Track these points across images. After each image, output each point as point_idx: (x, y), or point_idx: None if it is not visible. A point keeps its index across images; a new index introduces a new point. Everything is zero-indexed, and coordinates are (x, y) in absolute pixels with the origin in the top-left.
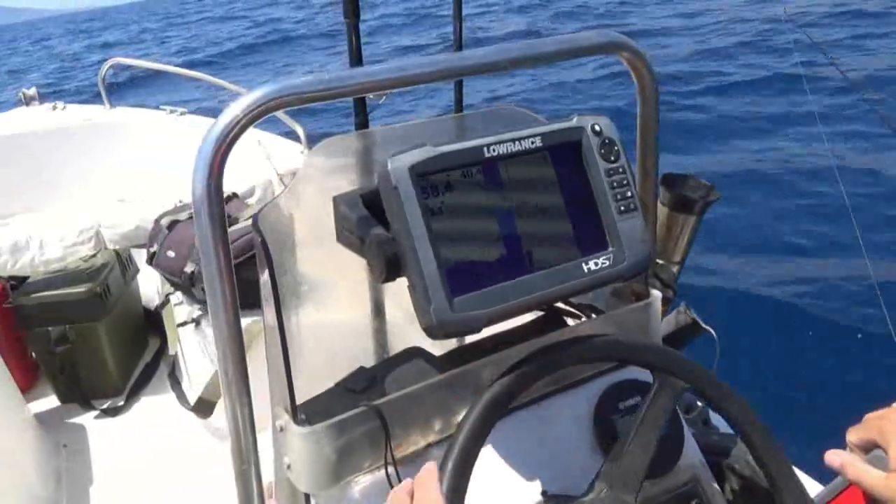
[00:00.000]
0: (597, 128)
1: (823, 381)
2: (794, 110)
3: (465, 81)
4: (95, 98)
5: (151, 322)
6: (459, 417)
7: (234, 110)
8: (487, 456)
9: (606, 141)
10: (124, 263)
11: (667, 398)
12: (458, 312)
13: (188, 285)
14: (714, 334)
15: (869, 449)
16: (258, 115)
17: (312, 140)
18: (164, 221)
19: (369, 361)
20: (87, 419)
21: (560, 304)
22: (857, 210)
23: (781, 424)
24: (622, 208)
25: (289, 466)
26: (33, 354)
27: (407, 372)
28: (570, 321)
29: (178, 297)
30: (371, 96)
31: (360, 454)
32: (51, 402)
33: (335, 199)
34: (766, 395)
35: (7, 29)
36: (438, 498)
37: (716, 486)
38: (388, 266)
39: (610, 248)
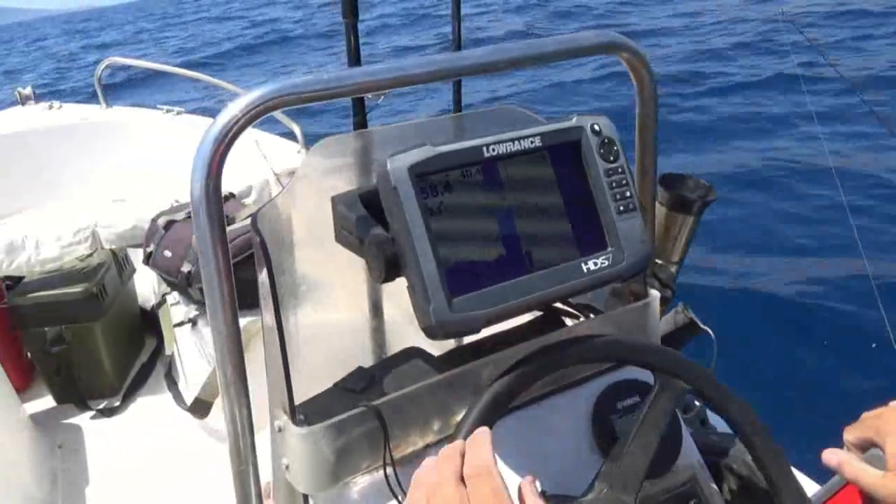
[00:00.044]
0: (596, 127)
1: (821, 381)
2: (793, 111)
3: (465, 82)
4: (92, 98)
5: (148, 322)
6: (458, 418)
7: (232, 110)
8: None
9: (606, 141)
10: (121, 263)
11: (668, 399)
12: (458, 313)
13: (185, 285)
14: (712, 334)
15: (866, 448)
16: (257, 115)
17: (309, 140)
18: (161, 221)
19: (368, 361)
20: (83, 419)
21: (558, 304)
22: (855, 211)
23: (778, 424)
24: (621, 208)
25: (287, 467)
26: (29, 355)
27: (406, 372)
28: (569, 321)
29: (174, 297)
30: (370, 96)
31: (358, 455)
32: (47, 402)
33: (334, 199)
34: (763, 395)
35: (3, 29)
36: (490, 460)
37: (714, 486)
38: (387, 266)
39: (609, 249)
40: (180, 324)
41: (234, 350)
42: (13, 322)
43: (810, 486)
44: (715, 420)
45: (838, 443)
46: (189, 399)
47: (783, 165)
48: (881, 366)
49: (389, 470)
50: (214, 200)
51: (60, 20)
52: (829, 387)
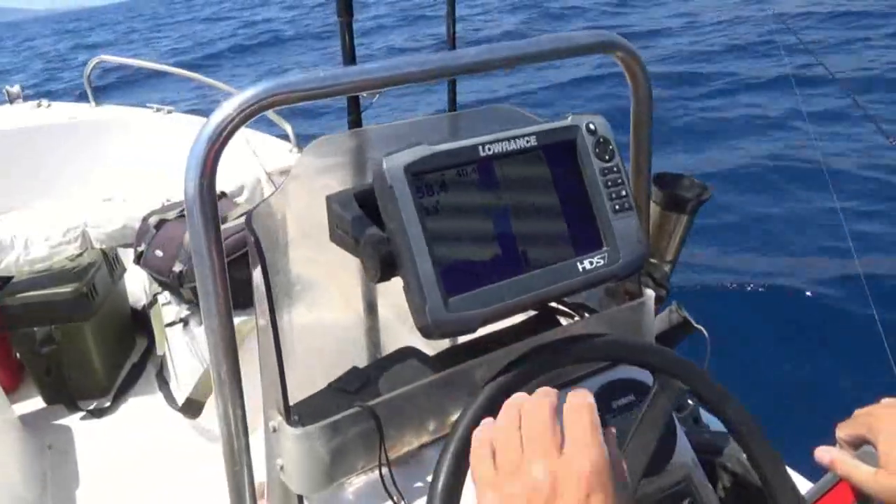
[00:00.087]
0: (591, 127)
1: (812, 379)
2: (789, 111)
3: (461, 81)
4: (82, 99)
5: (139, 322)
6: (453, 417)
7: (226, 109)
8: None
9: (601, 140)
10: (111, 263)
11: (667, 399)
12: (454, 312)
13: (176, 285)
14: (705, 333)
15: (858, 445)
16: (251, 114)
17: (302, 139)
18: (152, 220)
19: (362, 361)
20: (73, 420)
21: (553, 304)
22: (847, 210)
23: (770, 422)
24: (616, 207)
25: (281, 468)
26: (18, 355)
27: (400, 372)
28: (563, 320)
29: (165, 296)
30: (364, 95)
31: (353, 455)
32: (36, 403)
33: (328, 199)
34: (754, 393)
35: None
36: (595, 426)
37: (708, 484)
38: (382, 266)
39: (604, 248)
40: (172, 324)
41: (228, 349)
42: (2, 322)
43: (803, 484)
44: (708, 418)
45: (830, 440)
46: (180, 399)
47: (778, 165)
48: (872, 364)
49: (385, 470)
50: (209, 199)
51: (51, 20)
52: (821, 384)
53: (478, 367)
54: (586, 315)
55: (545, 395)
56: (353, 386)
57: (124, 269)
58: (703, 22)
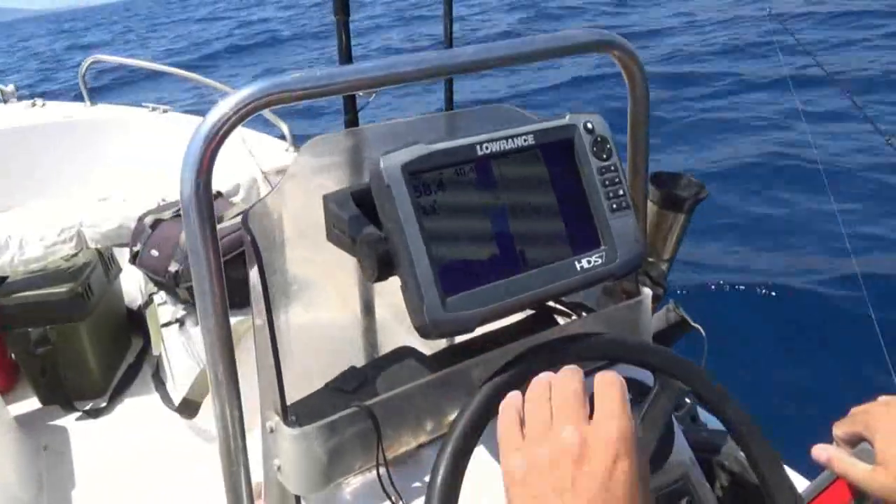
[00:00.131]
0: (589, 126)
1: (809, 378)
2: (789, 111)
3: (458, 81)
4: (77, 99)
5: (134, 322)
6: (451, 417)
7: (222, 108)
8: (481, 455)
9: (599, 139)
10: (106, 263)
11: (667, 399)
12: (451, 312)
13: (172, 285)
14: (702, 332)
15: (855, 443)
16: (248, 113)
17: (298, 138)
18: (148, 220)
19: (360, 361)
20: (68, 421)
21: (550, 303)
22: (845, 210)
23: (767, 420)
24: (614, 206)
25: (279, 468)
26: (13, 355)
27: (398, 371)
28: (561, 320)
29: (161, 296)
30: (361, 94)
31: (351, 455)
32: (31, 403)
33: (325, 198)
34: (752, 392)
35: None
36: (625, 400)
37: (706, 483)
38: (380, 265)
39: (602, 247)
40: (167, 324)
41: (224, 349)
42: None
43: (800, 482)
44: (705, 416)
45: (827, 438)
46: (177, 399)
47: (777, 166)
48: (869, 362)
49: (382, 470)
50: (205, 198)
51: (46, 20)
52: (818, 383)
53: (475, 366)
54: (584, 314)
55: (573, 371)
56: (350, 386)
57: (120, 269)
58: (702, 22)
